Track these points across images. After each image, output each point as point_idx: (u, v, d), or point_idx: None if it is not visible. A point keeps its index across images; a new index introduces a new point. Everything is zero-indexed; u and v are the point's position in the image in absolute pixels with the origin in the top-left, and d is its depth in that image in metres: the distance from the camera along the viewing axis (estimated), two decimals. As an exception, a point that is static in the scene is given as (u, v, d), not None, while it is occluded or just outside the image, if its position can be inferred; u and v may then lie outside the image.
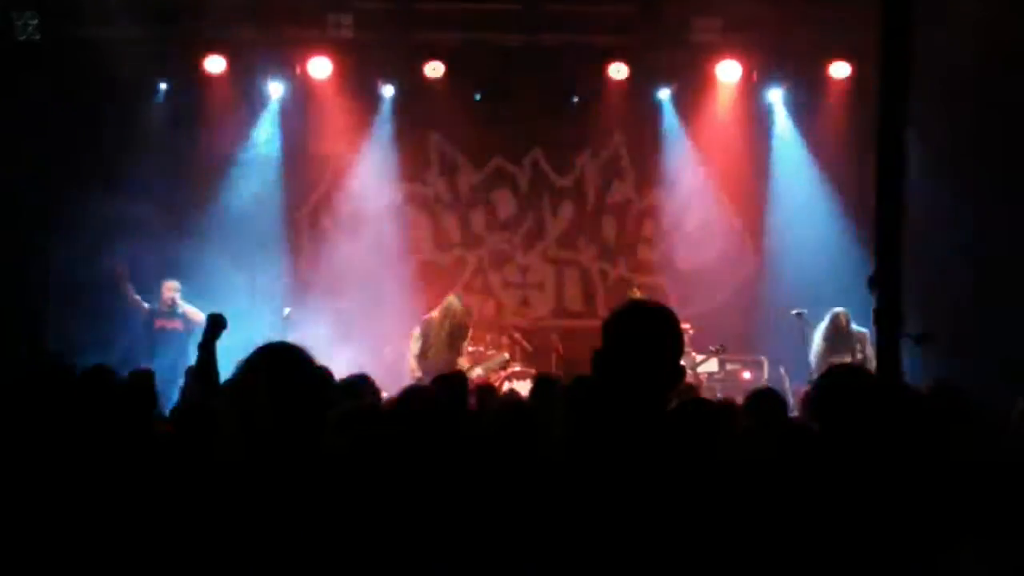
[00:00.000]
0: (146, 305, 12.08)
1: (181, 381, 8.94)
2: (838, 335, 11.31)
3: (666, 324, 3.13)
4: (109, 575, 3.73)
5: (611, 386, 3.11)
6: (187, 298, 12.24)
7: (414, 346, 11.50)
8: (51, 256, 13.04)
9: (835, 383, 4.29)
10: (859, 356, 11.10)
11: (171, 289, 12.14)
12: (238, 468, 3.33)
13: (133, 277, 12.26)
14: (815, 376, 11.17)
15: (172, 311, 12.10)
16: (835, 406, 4.09)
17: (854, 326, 11.32)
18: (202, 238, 13.06)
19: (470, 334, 11.92)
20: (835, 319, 11.39)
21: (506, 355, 12.46)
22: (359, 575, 3.32)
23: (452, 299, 11.77)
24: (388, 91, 13.78)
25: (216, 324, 5.71)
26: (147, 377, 6.47)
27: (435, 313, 11.71)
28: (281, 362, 3.39)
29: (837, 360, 11.23)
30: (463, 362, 11.62)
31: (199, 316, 11.95)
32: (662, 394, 3.12)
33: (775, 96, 13.80)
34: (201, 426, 4.89)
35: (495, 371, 12.04)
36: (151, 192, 13.17)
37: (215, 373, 5.37)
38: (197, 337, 5.80)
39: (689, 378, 10.40)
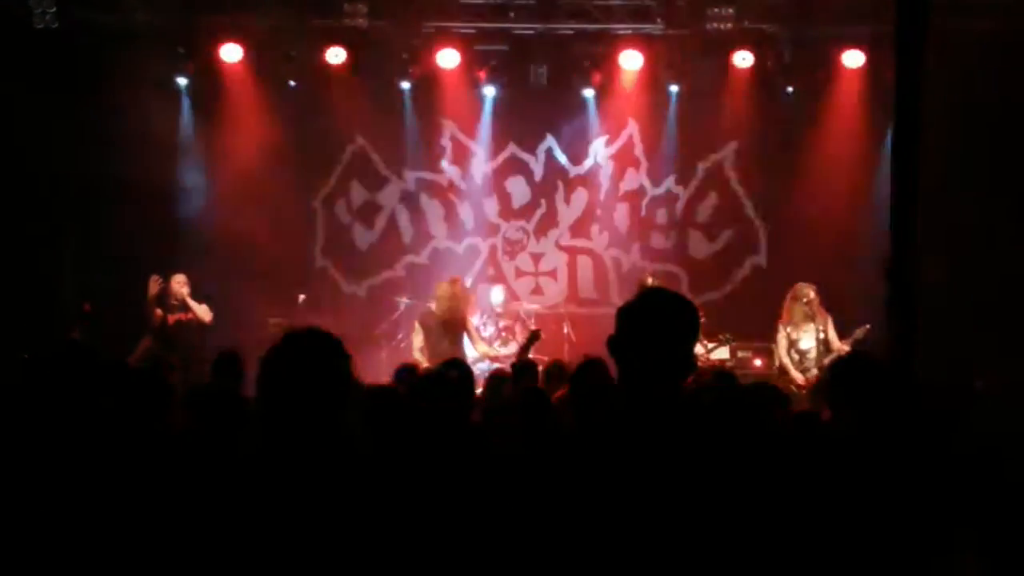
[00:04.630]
0: (159, 311, 11.93)
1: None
2: (797, 308, 11.31)
3: (684, 314, 3.15)
4: (126, 565, 3.76)
5: (626, 372, 3.13)
6: (201, 286, 12.25)
7: (416, 339, 11.53)
8: (68, 245, 13.08)
9: (846, 372, 4.32)
10: (820, 335, 11.12)
11: (180, 283, 12.07)
12: (263, 456, 3.34)
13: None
14: (782, 347, 11.28)
15: (181, 305, 12.04)
16: (848, 394, 4.11)
17: (818, 307, 11.30)
18: (217, 225, 13.13)
19: (474, 318, 11.95)
20: (793, 292, 11.40)
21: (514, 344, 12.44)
22: (377, 563, 3.34)
23: (441, 287, 11.73)
24: (402, 80, 13.79)
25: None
26: (164, 367, 6.51)
27: (432, 305, 11.73)
28: (311, 349, 3.39)
29: (797, 335, 11.28)
30: (481, 346, 11.65)
31: (207, 316, 11.98)
32: (675, 382, 3.14)
33: (788, 84, 13.75)
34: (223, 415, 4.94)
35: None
36: (168, 178, 13.27)
37: None
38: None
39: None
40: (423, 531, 3.67)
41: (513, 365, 8.37)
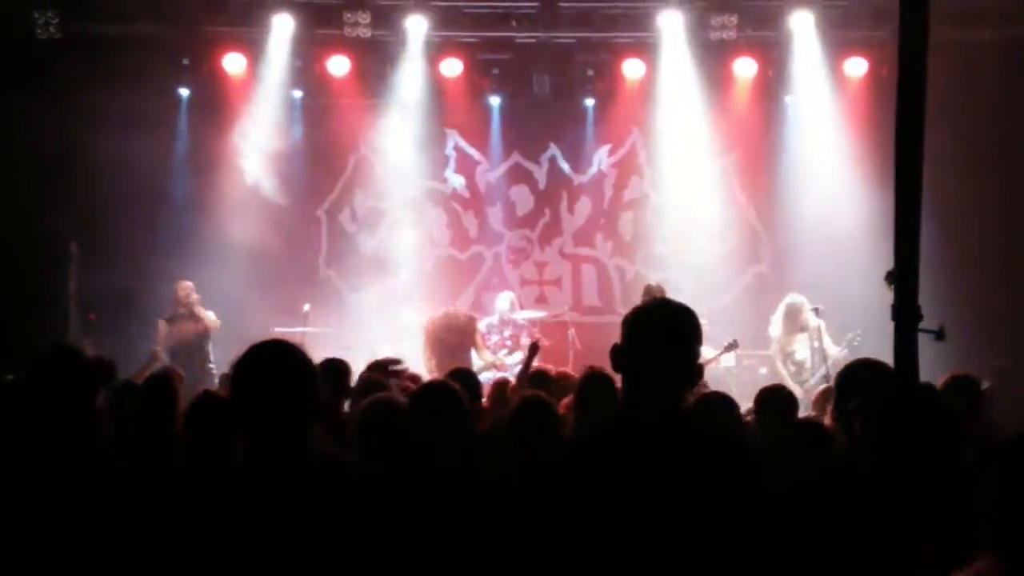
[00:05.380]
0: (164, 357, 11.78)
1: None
2: (790, 322, 11.32)
3: (688, 322, 3.15)
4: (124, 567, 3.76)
5: (629, 382, 3.13)
6: (206, 295, 12.22)
7: (424, 350, 11.56)
8: (72, 254, 13.07)
9: (856, 379, 4.31)
10: (815, 344, 11.12)
11: (186, 290, 12.06)
12: (243, 467, 3.35)
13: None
14: (777, 359, 11.30)
15: (190, 316, 12.00)
16: (853, 401, 4.10)
17: (811, 317, 11.31)
18: (222, 234, 13.14)
19: (480, 324, 12.02)
20: (786, 307, 11.41)
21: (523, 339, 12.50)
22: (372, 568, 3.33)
23: (440, 315, 11.78)
24: (405, 89, 13.80)
25: None
26: (169, 377, 6.49)
27: (438, 315, 11.73)
28: (272, 361, 3.41)
29: (792, 347, 11.28)
30: (486, 355, 11.68)
31: (215, 323, 11.99)
32: (679, 391, 3.14)
33: (791, 92, 13.77)
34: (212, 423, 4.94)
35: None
36: (172, 188, 13.29)
37: None
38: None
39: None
40: (409, 541, 3.66)
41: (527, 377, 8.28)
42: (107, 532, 3.76)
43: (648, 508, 2.93)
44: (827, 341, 11.26)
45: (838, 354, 10.92)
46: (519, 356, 12.46)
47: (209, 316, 12.02)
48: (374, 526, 3.34)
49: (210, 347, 12.07)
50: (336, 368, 6.35)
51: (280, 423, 3.31)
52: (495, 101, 14.04)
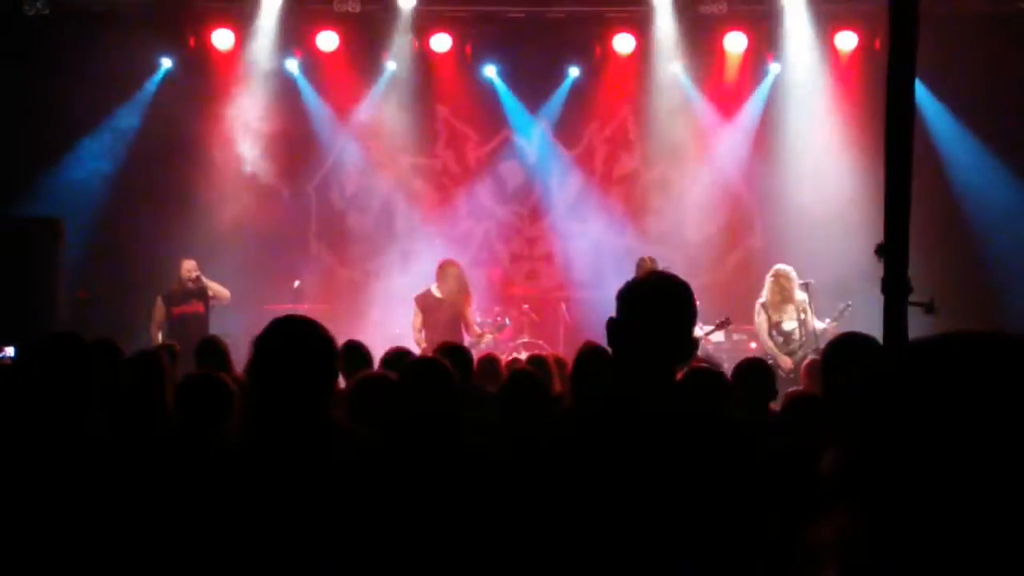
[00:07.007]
0: (159, 336, 11.54)
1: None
2: (776, 292, 11.28)
3: (683, 296, 3.14)
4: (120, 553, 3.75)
5: (623, 355, 3.12)
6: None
7: (415, 320, 11.52)
8: (63, 234, 13.01)
9: (843, 352, 4.31)
10: (802, 316, 11.10)
11: (190, 270, 11.91)
12: (249, 444, 3.35)
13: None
14: (763, 329, 11.29)
15: (190, 294, 11.86)
16: (841, 375, 4.10)
17: (798, 291, 11.26)
18: (212, 212, 13.10)
19: (471, 301, 11.95)
20: (772, 276, 11.36)
21: (507, 320, 12.50)
22: (369, 552, 3.34)
23: (447, 268, 11.71)
24: (395, 64, 13.75)
25: None
26: (162, 352, 6.46)
27: (432, 287, 11.70)
28: (296, 335, 3.41)
29: (780, 317, 11.26)
30: (475, 331, 11.67)
31: (224, 292, 11.89)
32: (674, 366, 3.14)
33: (782, 67, 13.74)
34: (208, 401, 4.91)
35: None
36: (159, 165, 13.23)
37: None
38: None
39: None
40: (414, 519, 3.67)
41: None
42: (107, 516, 3.76)
43: (640, 484, 2.93)
44: (811, 316, 11.27)
45: (828, 325, 10.92)
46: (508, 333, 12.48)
47: (218, 288, 11.89)
48: (371, 503, 3.36)
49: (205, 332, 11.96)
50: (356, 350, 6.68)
51: (301, 397, 3.33)
52: (485, 76, 13.99)
